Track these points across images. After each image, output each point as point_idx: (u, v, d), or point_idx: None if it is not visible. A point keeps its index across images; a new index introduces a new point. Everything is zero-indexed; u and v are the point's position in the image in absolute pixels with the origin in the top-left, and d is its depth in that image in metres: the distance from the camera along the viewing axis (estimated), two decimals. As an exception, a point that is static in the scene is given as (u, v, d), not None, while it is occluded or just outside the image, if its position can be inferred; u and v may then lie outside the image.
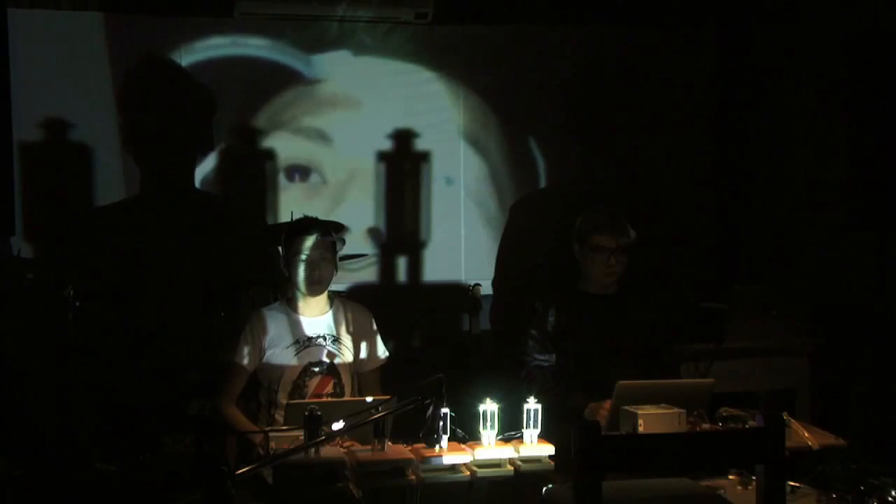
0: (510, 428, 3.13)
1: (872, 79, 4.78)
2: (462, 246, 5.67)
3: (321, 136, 5.51)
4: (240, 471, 2.47)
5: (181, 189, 5.36)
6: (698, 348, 4.58)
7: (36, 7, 5.19)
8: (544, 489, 2.90)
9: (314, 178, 5.50)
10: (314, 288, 3.74)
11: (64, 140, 5.21)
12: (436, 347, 5.42)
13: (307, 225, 3.78)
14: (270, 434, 3.05)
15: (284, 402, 3.59)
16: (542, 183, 5.77)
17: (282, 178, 5.46)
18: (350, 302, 3.93)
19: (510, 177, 5.74)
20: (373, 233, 5.53)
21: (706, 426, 3.22)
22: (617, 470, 2.48)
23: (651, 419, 3.09)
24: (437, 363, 4.90)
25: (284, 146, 5.46)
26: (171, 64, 5.32)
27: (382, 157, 5.57)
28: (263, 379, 3.72)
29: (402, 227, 5.62)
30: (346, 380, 3.74)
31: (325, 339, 3.75)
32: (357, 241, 5.34)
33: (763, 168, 5.65)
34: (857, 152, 4.90)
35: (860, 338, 4.66)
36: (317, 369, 3.71)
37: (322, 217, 4.01)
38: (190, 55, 5.34)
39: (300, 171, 5.49)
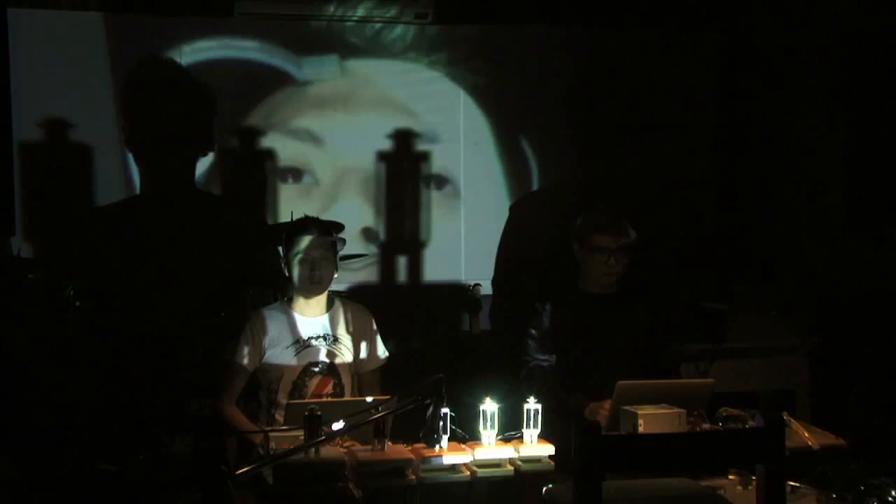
0: (510, 428, 3.13)
1: (872, 79, 4.79)
2: (462, 246, 5.67)
3: (313, 138, 5.51)
4: (240, 471, 2.47)
5: (181, 189, 5.37)
6: (698, 348, 4.59)
7: (36, 7, 5.19)
8: (544, 489, 2.90)
9: (306, 178, 5.50)
10: (315, 288, 3.73)
11: (64, 140, 5.22)
12: (436, 347, 5.42)
13: (308, 224, 3.77)
14: (270, 434, 3.05)
15: (284, 402, 3.59)
16: (542, 183, 5.78)
17: (277, 179, 5.47)
18: (350, 302, 3.92)
19: (510, 176, 5.74)
20: (366, 233, 5.53)
21: (706, 426, 3.22)
22: (617, 470, 2.48)
23: (651, 419, 3.09)
24: (437, 363, 4.91)
25: (278, 147, 5.47)
26: (171, 64, 5.32)
27: (382, 157, 5.57)
28: (263, 379, 3.72)
29: (402, 228, 5.62)
30: (346, 380, 3.74)
31: (324, 339, 3.75)
32: (351, 242, 5.32)
33: (763, 168, 5.65)
34: (857, 152, 4.91)
35: (860, 338, 4.66)
36: (317, 369, 3.70)
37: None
38: (190, 53, 5.34)
39: (292, 172, 5.49)
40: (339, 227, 4.64)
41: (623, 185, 5.63)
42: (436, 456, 2.97)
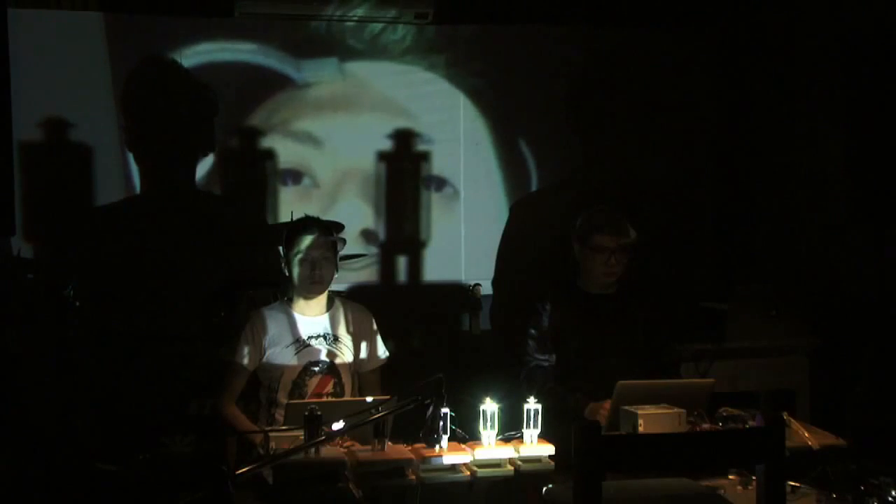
0: (510, 428, 3.13)
1: (872, 79, 4.78)
2: (462, 246, 5.67)
3: (313, 139, 5.51)
4: (240, 471, 2.47)
5: (181, 189, 5.37)
6: (698, 348, 4.59)
7: (36, 7, 5.19)
8: (544, 489, 2.90)
9: (306, 180, 5.50)
10: (315, 287, 3.74)
11: (64, 140, 5.22)
12: (436, 347, 5.42)
13: (308, 224, 3.77)
14: (270, 434, 3.05)
15: (284, 401, 3.59)
16: (542, 183, 5.77)
17: (277, 181, 5.47)
18: (350, 302, 3.93)
19: (510, 177, 5.74)
20: (366, 233, 5.54)
21: (706, 426, 3.22)
22: (617, 470, 2.48)
23: (651, 419, 3.09)
24: (437, 363, 4.91)
25: (278, 149, 5.47)
26: (171, 64, 5.33)
27: (381, 158, 5.57)
28: (263, 378, 3.72)
29: (402, 228, 5.62)
30: (346, 379, 3.74)
31: (325, 338, 3.75)
32: (351, 242, 5.32)
33: (763, 167, 5.65)
34: (857, 151, 4.90)
35: (860, 338, 4.66)
36: (317, 369, 3.71)
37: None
38: (190, 56, 5.34)
39: (292, 174, 5.50)
40: (340, 227, 4.65)
41: (623, 185, 5.62)
42: (436, 456, 2.98)
